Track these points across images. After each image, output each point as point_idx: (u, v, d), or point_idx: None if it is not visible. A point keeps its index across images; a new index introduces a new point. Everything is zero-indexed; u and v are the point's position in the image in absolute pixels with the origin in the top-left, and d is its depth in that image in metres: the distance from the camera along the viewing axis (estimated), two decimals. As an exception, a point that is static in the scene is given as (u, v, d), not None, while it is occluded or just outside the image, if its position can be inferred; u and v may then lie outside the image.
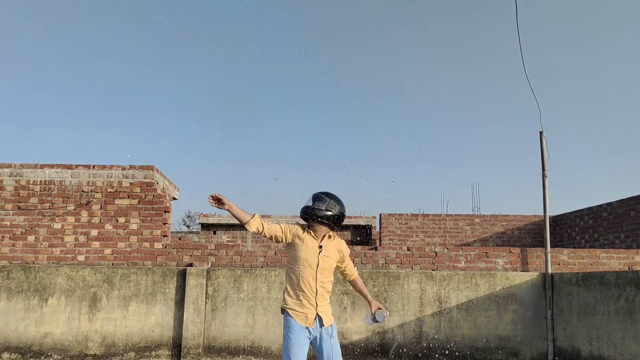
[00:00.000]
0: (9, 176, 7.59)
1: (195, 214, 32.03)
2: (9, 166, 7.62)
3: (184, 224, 33.11)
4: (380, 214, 14.41)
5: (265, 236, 3.71)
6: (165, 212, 7.64)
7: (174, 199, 8.97)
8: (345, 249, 3.87)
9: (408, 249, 7.77)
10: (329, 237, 3.76)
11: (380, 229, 14.38)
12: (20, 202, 7.52)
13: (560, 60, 38.65)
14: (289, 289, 3.70)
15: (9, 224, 7.45)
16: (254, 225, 3.63)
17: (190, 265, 7.37)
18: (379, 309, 3.86)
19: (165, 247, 7.50)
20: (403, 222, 14.23)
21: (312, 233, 3.70)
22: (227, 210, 3.60)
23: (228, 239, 14.54)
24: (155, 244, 7.48)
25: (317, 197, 3.75)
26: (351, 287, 6.62)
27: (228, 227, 14.81)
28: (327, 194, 3.77)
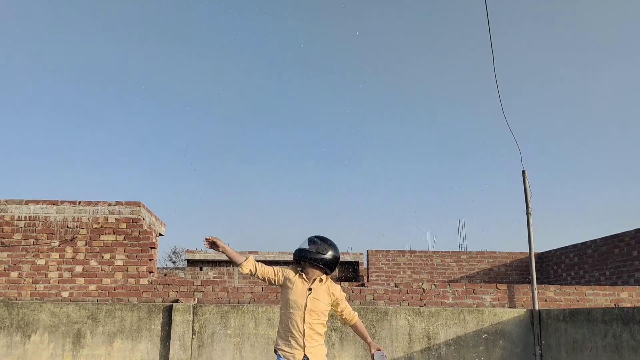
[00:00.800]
0: (-7, 211, 7.51)
1: (181, 249, 31.68)
2: (-6, 201, 7.55)
3: (170, 260, 32.70)
4: (367, 251, 14.40)
5: (258, 278, 3.79)
6: (151, 248, 7.58)
7: (160, 234, 8.92)
8: (339, 293, 3.86)
9: (396, 285, 7.76)
10: (320, 280, 3.78)
11: (367, 265, 14.34)
12: (3, 238, 7.43)
13: (538, 92, 39.51)
14: (280, 329, 3.75)
15: (-9, 259, 7.33)
16: (246, 268, 3.75)
17: (177, 301, 7.27)
18: (378, 350, 3.86)
19: (151, 283, 7.42)
20: (390, 259, 14.22)
21: (303, 275, 3.76)
22: (222, 252, 3.70)
23: (214, 275, 14.40)
24: (141, 280, 7.39)
25: (310, 240, 3.82)
26: (340, 323, 6.57)
27: (214, 263, 14.68)
28: (320, 238, 3.83)
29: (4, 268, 7.32)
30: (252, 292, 7.52)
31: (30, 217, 7.52)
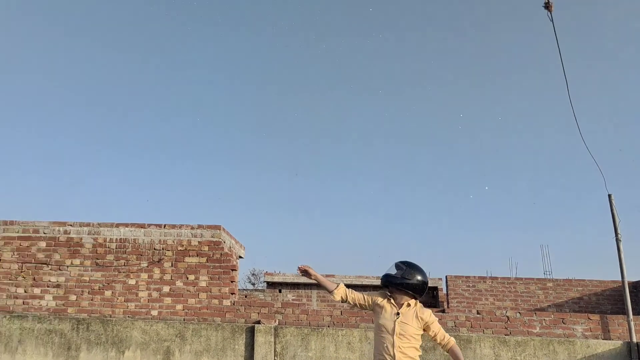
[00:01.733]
0: (88, 234, 7.99)
1: (259, 271, 32.28)
2: (88, 225, 8.04)
3: (249, 282, 33.39)
4: (446, 276, 14.04)
5: (349, 304, 3.96)
6: (232, 270, 7.78)
7: (240, 257, 9.14)
8: (429, 317, 3.86)
9: (478, 312, 7.50)
10: (409, 304, 3.84)
11: (447, 291, 13.96)
12: (97, 259, 7.88)
13: (630, 110, 37.32)
14: (374, 353, 3.87)
15: (87, 279, 7.79)
16: (338, 295, 3.93)
17: (258, 322, 7.40)
18: None
19: (234, 304, 7.60)
20: (470, 285, 13.78)
21: (392, 300, 3.85)
22: (314, 279, 3.92)
23: (293, 298, 14.52)
24: (224, 301, 7.59)
25: (396, 266, 3.92)
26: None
27: (293, 285, 14.81)
28: (406, 263, 3.92)
29: (99, 287, 7.75)
30: (331, 315, 7.52)
31: (120, 239, 7.94)
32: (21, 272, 7.84)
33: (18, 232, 8.00)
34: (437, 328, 3.89)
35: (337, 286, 3.94)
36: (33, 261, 7.87)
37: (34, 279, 7.80)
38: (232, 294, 7.67)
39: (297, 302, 14.54)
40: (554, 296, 13.53)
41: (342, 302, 3.95)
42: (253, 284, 32.65)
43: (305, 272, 3.89)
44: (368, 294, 3.96)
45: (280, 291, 14.86)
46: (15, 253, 7.91)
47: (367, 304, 3.90)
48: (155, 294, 7.66)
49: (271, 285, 15.25)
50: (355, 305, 3.93)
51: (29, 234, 7.99)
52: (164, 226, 7.97)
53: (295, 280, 14.63)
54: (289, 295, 14.62)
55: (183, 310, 7.59)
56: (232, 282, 7.74)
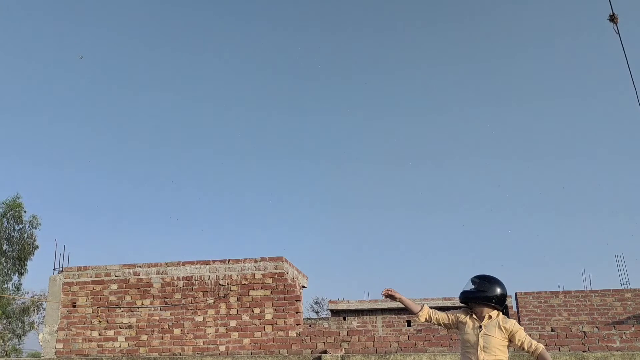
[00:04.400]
0: (156, 274, 8.27)
1: (322, 299, 32.24)
2: (156, 265, 8.33)
3: (313, 310, 33.38)
4: (515, 293, 13.57)
5: (434, 324, 4.06)
6: (296, 301, 7.83)
7: (304, 287, 9.19)
8: (512, 326, 3.85)
9: (552, 330, 7.22)
10: (490, 317, 3.86)
11: (517, 308, 13.48)
12: (166, 298, 8.12)
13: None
14: None
15: (157, 318, 8.03)
16: (422, 316, 4.04)
17: (325, 352, 7.38)
18: None
19: (299, 335, 7.63)
20: (542, 301, 13.25)
21: (473, 315, 3.91)
22: (399, 301, 4.02)
23: (358, 325, 14.40)
24: (290, 332, 7.64)
25: (471, 281, 3.99)
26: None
27: (357, 312, 14.72)
28: (480, 277, 3.98)
29: (168, 326, 7.97)
30: (398, 341, 7.42)
31: (187, 277, 8.17)
32: (96, 316, 8.18)
33: (92, 276, 8.38)
34: (522, 336, 3.84)
35: (422, 308, 4.04)
36: (106, 304, 8.20)
37: (107, 322, 8.11)
38: (297, 324, 7.71)
39: (363, 329, 14.41)
40: (633, 307, 12.83)
41: (427, 322, 4.04)
42: (317, 312, 32.60)
43: (390, 296, 4.01)
44: (451, 312, 4.04)
45: (344, 318, 14.79)
46: (90, 297, 8.27)
47: (451, 322, 3.98)
48: (222, 329, 7.80)
49: (335, 312, 15.21)
50: (439, 324, 4.02)
51: (102, 278, 8.35)
52: (228, 261, 8.15)
53: (360, 307, 14.54)
54: (354, 322, 14.51)
55: (250, 344, 7.68)
56: (296, 312, 7.79)
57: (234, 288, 7.98)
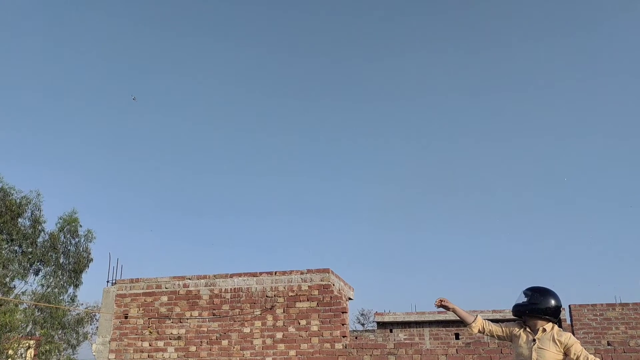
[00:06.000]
0: (205, 286, 8.43)
1: (368, 311, 32.06)
2: (204, 277, 8.49)
3: (359, 322, 33.23)
4: (569, 305, 13.12)
5: (487, 335, 4.03)
6: (342, 312, 7.83)
7: (350, 299, 9.17)
8: (567, 340, 3.78)
9: (609, 344, 6.96)
10: (544, 330, 3.81)
11: (571, 321, 13.03)
12: (214, 310, 8.26)
13: None
14: None
15: (205, 329, 8.17)
16: (476, 328, 4.00)
17: (371, 365, 7.33)
18: None
19: (345, 347, 7.61)
20: (598, 314, 12.77)
21: (527, 328, 3.88)
22: (452, 311, 4.02)
23: (405, 337, 14.24)
24: (336, 344, 7.63)
25: (524, 294, 3.95)
26: None
27: (404, 324, 14.56)
28: (532, 289, 3.94)
29: (216, 337, 8.10)
30: (446, 354, 7.30)
31: (234, 289, 8.29)
32: (147, 327, 8.39)
33: (143, 288, 8.61)
34: (578, 350, 3.74)
35: (475, 318, 4.00)
36: (156, 315, 8.40)
37: (158, 332, 8.31)
38: (343, 337, 7.70)
39: (410, 341, 14.24)
40: (697, 320, 12.20)
41: (480, 333, 4.00)
42: (363, 324, 32.43)
43: (443, 306, 4.00)
44: (505, 325, 4.00)
45: (391, 331, 14.64)
46: (141, 309, 8.50)
47: (505, 334, 3.94)
48: (269, 341, 7.87)
49: (381, 325, 15.08)
50: (492, 336, 3.99)
51: (152, 290, 8.57)
52: (275, 273, 8.23)
53: (406, 319, 14.37)
54: (401, 335, 14.35)
55: (296, 356, 7.71)
56: (343, 325, 7.78)
57: (281, 300, 8.04)
